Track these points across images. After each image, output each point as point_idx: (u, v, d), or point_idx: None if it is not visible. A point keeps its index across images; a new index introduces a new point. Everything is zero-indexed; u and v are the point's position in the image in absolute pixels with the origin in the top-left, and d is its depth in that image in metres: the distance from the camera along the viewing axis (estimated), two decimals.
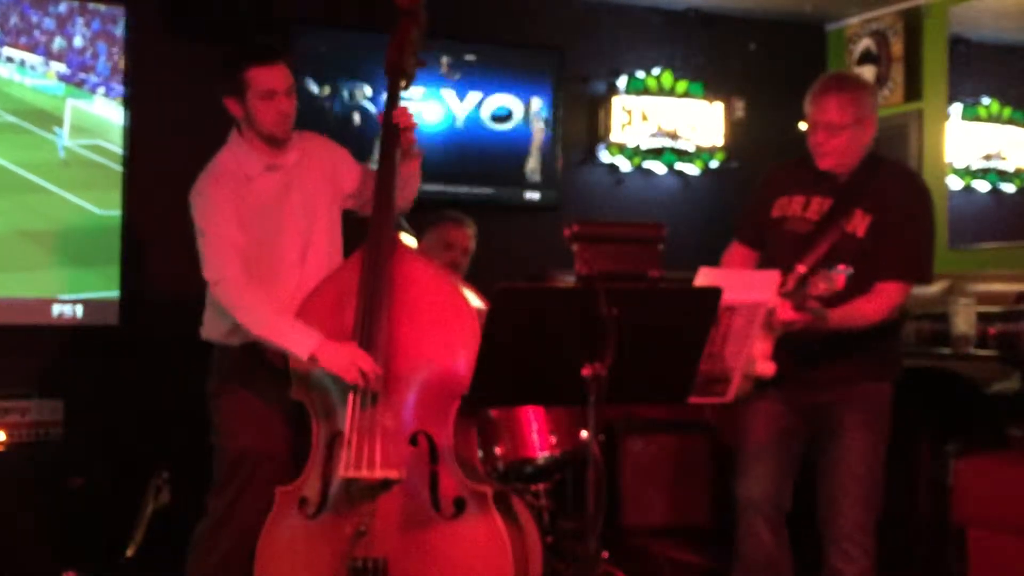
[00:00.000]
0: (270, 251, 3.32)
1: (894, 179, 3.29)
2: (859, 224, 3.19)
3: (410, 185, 3.45)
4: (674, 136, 6.38)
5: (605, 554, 4.06)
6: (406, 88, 3.44)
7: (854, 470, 3.23)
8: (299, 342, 3.11)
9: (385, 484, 3.06)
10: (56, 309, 5.03)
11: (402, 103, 3.36)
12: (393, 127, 3.31)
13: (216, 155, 3.39)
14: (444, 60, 5.89)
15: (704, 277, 2.90)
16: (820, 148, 3.23)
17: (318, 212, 3.39)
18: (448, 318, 3.17)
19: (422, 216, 4.22)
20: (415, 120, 3.35)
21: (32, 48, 5.03)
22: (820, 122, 3.21)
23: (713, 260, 3.39)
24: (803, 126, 3.30)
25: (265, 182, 3.34)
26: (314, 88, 5.57)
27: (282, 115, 3.29)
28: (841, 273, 2.88)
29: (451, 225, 4.46)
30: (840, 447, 3.25)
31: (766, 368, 3.02)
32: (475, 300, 3.25)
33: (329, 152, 3.50)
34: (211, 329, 3.42)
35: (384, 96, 3.42)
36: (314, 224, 3.38)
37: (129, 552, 4.47)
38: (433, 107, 5.89)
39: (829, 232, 3.17)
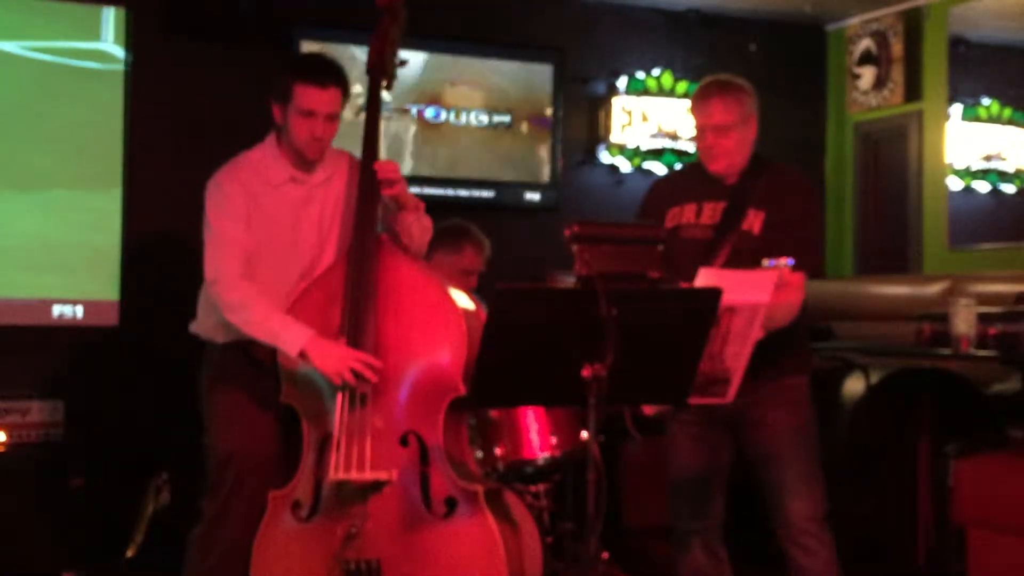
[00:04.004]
0: (275, 260, 3.30)
1: (782, 176, 3.35)
2: (754, 221, 3.23)
3: (408, 234, 3.33)
4: (674, 137, 6.39)
5: (605, 554, 4.06)
6: (387, 88, 3.43)
7: (796, 468, 3.23)
8: (290, 338, 3.10)
9: (376, 485, 3.06)
10: (56, 309, 5.03)
11: (387, 161, 3.29)
12: (372, 173, 3.26)
13: (246, 151, 3.36)
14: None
15: (704, 278, 2.90)
16: (711, 151, 3.29)
17: (333, 231, 3.36)
18: (435, 317, 3.17)
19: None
20: (398, 175, 3.26)
21: None
22: (707, 125, 3.28)
23: None
24: (692, 131, 3.37)
25: (286, 192, 3.31)
26: None
27: (314, 138, 3.24)
28: (784, 265, 2.91)
29: (472, 251, 4.25)
30: (774, 448, 3.25)
31: None
32: (464, 300, 3.25)
33: (357, 174, 3.41)
34: (200, 324, 3.42)
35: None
36: (327, 242, 3.35)
37: (129, 552, 4.48)
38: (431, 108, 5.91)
39: (729, 234, 3.22)
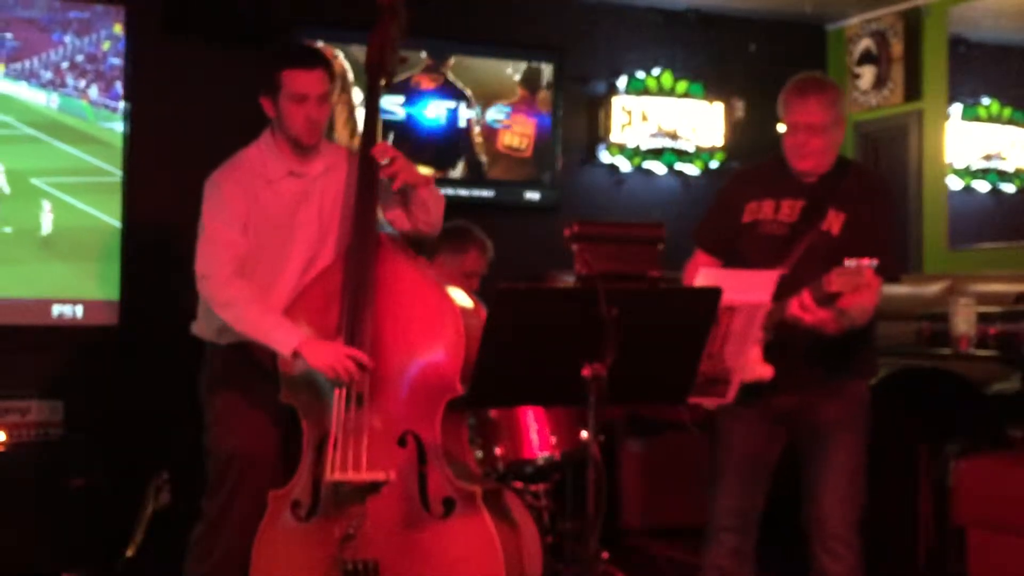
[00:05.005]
0: (275, 255, 3.30)
1: (861, 178, 3.33)
2: (833, 222, 3.20)
3: (425, 209, 3.35)
4: (674, 136, 6.39)
5: (605, 554, 4.06)
6: (387, 86, 3.44)
7: (839, 468, 3.21)
8: (283, 339, 3.10)
9: (373, 486, 3.05)
10: (56, 309, 5.04)
11: (381, 142, 3.29)
12: (371, 171, 3.26)
13: (243, 149, 3.37)
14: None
15: (704, 277, 2.89)
16: (801, 149, 3.23)
17: (333, 226, 3.36)
18: (433, 317, 3.16)
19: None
20: (394, 155, 3.26)
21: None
22: (802, 123, 3.21)
23: None
24: (781, 128, 3.30)
25: (284, 187, 3.32)
26: None
27: (311, 121, 3.26)
28: (867, 267, 2.85)
29: (476, 254, 4.21)
30: (824, 446, 3.23)
31: (764, 371, 3.02)
32: (462, 299, 3.25)
33: (355, 169, 3.40)
34: (201, 325, 3.42)
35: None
36: (327, 237, 3.35)
37: (129, 552, 4.48)
38: (435, 107, 5.91)
39: (807, 233, 3.19)
